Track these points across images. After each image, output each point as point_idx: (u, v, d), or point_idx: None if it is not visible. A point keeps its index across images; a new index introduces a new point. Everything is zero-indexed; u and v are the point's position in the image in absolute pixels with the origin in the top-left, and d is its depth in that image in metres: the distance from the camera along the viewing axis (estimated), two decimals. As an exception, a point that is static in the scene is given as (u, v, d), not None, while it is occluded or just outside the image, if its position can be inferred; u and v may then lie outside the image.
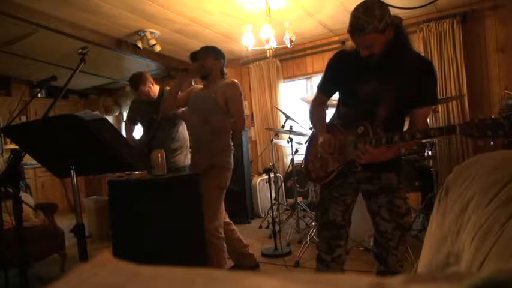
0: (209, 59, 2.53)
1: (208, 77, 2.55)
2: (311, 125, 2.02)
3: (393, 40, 1.56)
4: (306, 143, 2.03)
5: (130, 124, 3.25)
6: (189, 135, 2.81)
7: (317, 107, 1.89)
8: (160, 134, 2.93)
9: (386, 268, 1.76)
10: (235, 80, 2.60)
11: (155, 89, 3.08)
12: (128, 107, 7.43)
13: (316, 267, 1.90)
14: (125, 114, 7.69)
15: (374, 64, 1.63)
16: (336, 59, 1.80)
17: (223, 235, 2.52)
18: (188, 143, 3.09)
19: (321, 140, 1.76)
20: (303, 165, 2.03)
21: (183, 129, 3.04)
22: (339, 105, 1.89)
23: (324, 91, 1.89)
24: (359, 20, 1.51)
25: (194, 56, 2.58)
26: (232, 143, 2.64)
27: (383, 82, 1.63)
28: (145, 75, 3.05)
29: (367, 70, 1.66)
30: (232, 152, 2.62)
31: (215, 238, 2.41)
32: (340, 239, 1.83)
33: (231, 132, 2.60)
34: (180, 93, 2.69)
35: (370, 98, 1.66)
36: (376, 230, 1.77)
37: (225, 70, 2.62)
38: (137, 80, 3.00)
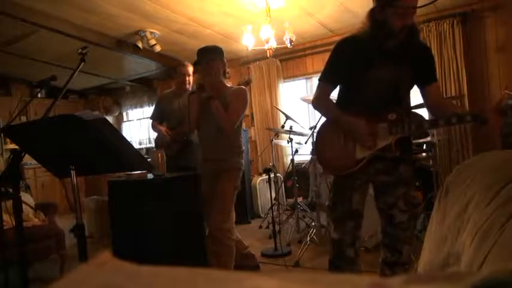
0: (217, 61, 2.46)
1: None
2: (325, 116, 1.91)
3: (410, 25, 1.60)
4: (315, 134, 1.98)
5: (157, 122, 3.19)
6: (201, 143, 2.70)
7: (325, 97, 1.81)
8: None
9: (399, 258, 1.76)
10: (243, 87, 2.58)
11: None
12: (127, 107, 7.47)
13: (338, 266, 1.79)
14: (124, 114, 7.70)
15: (391, 49, 1.64)
16: (347, 45, 1.73)
17: (235, 237, 2.54)
18: None
19: (353, 125, 1.69)
20: (315, 156, 2.03)
21: None
22: (347, 93, 1.82)
23: (332, 80, 1.80)
24: None
25: (198, 63, 2.51)
26: (243, 146, 2.63)
27: (402, 67, 1.66)
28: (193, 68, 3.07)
29: (384, 55, 1.65)
30: (243, 152, 2.61)
31: (227, 239, 2.41)
32: (359, 229, 1.77)
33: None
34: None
35: (392, 83, 1.67)
36: (390, 221, 1.75)
37: (227, 69, 2.58)
38: (190, 70, 3.01)
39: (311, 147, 3.59)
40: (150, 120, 3.28)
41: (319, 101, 1.83)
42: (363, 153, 1.70)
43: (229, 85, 2.60)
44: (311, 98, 4.05)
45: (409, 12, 1.55)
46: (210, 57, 2.45)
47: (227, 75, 2.58)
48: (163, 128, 3.11)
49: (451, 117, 1.58)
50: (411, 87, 1.78)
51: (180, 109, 2.94)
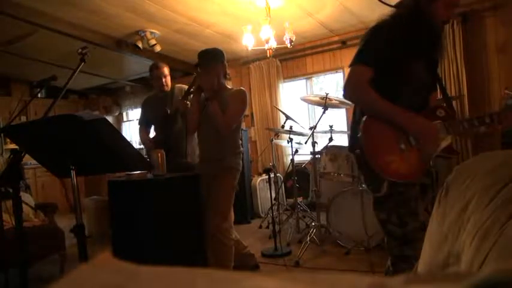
0: (218, 66, 2.48)
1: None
2: (373, 111, 1.55)
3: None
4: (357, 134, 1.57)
5: (144, 127, 3.18)
6: (199, 143, 2.71)
7: (366, 83, 1.50)
8: (177, 131, 2.91)
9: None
10: (243, 88, 2.60)
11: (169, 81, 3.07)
12: (127, 107, 7.47)
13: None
14: (124, 114, 7.69)
15: (430, 42, 1.53)
16: (390, 33, 1.49)
17: (234, 236, 2.55)
18: None
19: (427, 127, 1.48)
20: (372, 163, 1.52)
21: None
22: (384, 84, 1.52)
23: (374, 61, 1.50)
24: None
25: (199, 65, 2.52)
26: (241, 147, 2.64)
27: (434, 61, 1.60)
28: (167, 68, 3.05)
29: (425, 46, 1.51)
30: (241, 153, 2.62)
31: (226, 239, 2.43)
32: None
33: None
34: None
35: (429, 77, 1.57)
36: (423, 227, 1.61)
37: (228, 71, 2.60)
38: (165, 71, 2.99)
39: (311, 148, 3.59)
40: (138, 126, 3.27)
41: (359, 87, 1.51)
42: (427, 155, 1.50)
43: (229, 86, 2.61)
44: (311, 97, 4.04)
45: (456, 4, 1.48)
46: (210, 60, 2.46)
47: (227, 76, 2.59)
48: (145, 136, 3.12)
49: (473, 119, 1.48)
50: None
51: (163, 112, 2.93)
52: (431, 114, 1.52)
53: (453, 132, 1.50)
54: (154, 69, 3.00)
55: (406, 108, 1.49)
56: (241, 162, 2.62)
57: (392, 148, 1.52)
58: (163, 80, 2.98)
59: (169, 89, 3.03)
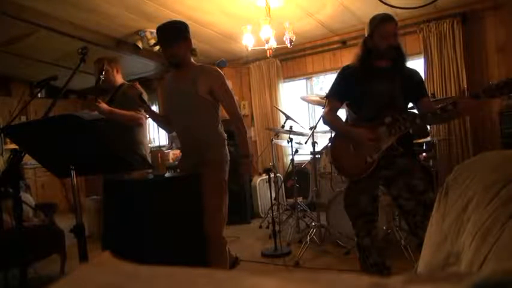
0: (181, 45, 2.19)
1: (181, 64, 2.24)
2: (333, 130, 2.31)
3: (396, 46, 1.96)
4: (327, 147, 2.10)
5: None
6: (177, 135, 2.51)
7: (331, 112, 2.11)
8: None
9: (420, 240, 1.88)
10: (214, 66, 2.36)
11: (119, 77, 2.97)
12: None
13: (359, 258, 2.09)
14: (124, 114, 7.68)
15: (383, 67, 1.99)
16: (348, 68, 2.11)
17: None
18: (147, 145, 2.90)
19: (356, 134, 2.00)
20: (332, 167, 2.14)
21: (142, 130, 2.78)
22: (352, 108, 2.12)
23: (336, 96, 2.13)
24: (387, 14, 2.02)
25: (158, 43, 2.24)
26: (224, 134, 2.36)
27: (394, 81, 1.98)
28: (117, 58, 2.93)
29: (378, 72, 2.00)
30: (226, 142, 2.35)
31: (224, 246, 2.30)
32: (372, 223, 2.04)
33: (220, 125, 2.34)
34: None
35: (387, 95, 1.98)
36: (403, 211, 2.00)
37: (194, 46, 2.31)
38: (102, 67, 2.75)
39: (311, 148, 3.59)
40: None
41: (327, 116, 2.11)
42: (371, 156, 1.96)
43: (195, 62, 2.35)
44: (311, 97, 4.06)
45: (391, 35, 1.93)
46: (173, 38, 2.19)
47: (194, 52, 2.31)
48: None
49: (436, 109, 1.87)
50: (407, 100, 2.05)
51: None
52: (381, 122, 1.94)
53: (396, 133, 1.91)
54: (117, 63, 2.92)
55: (367, 119, 2.00)
56: (227, 152, 2.34)
57: (346, 156, 2.07)
58: (99, 75, 2.70)
59: (106, 83, 2.83)
